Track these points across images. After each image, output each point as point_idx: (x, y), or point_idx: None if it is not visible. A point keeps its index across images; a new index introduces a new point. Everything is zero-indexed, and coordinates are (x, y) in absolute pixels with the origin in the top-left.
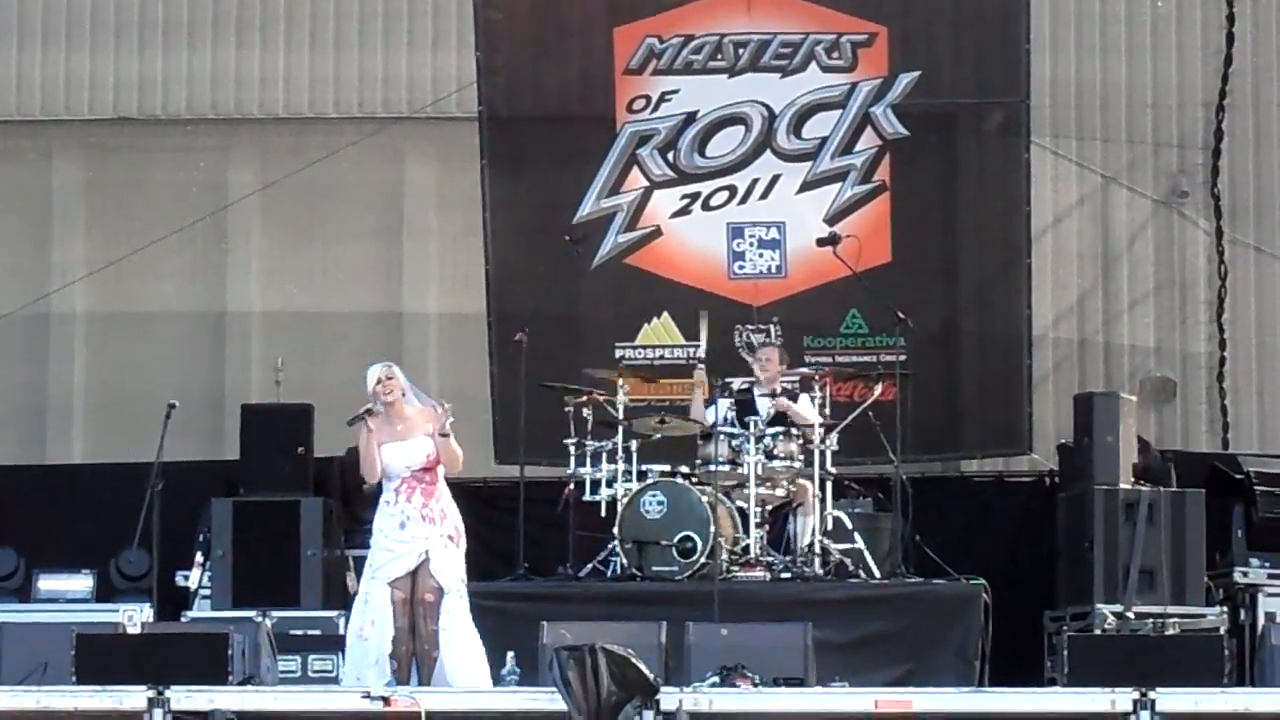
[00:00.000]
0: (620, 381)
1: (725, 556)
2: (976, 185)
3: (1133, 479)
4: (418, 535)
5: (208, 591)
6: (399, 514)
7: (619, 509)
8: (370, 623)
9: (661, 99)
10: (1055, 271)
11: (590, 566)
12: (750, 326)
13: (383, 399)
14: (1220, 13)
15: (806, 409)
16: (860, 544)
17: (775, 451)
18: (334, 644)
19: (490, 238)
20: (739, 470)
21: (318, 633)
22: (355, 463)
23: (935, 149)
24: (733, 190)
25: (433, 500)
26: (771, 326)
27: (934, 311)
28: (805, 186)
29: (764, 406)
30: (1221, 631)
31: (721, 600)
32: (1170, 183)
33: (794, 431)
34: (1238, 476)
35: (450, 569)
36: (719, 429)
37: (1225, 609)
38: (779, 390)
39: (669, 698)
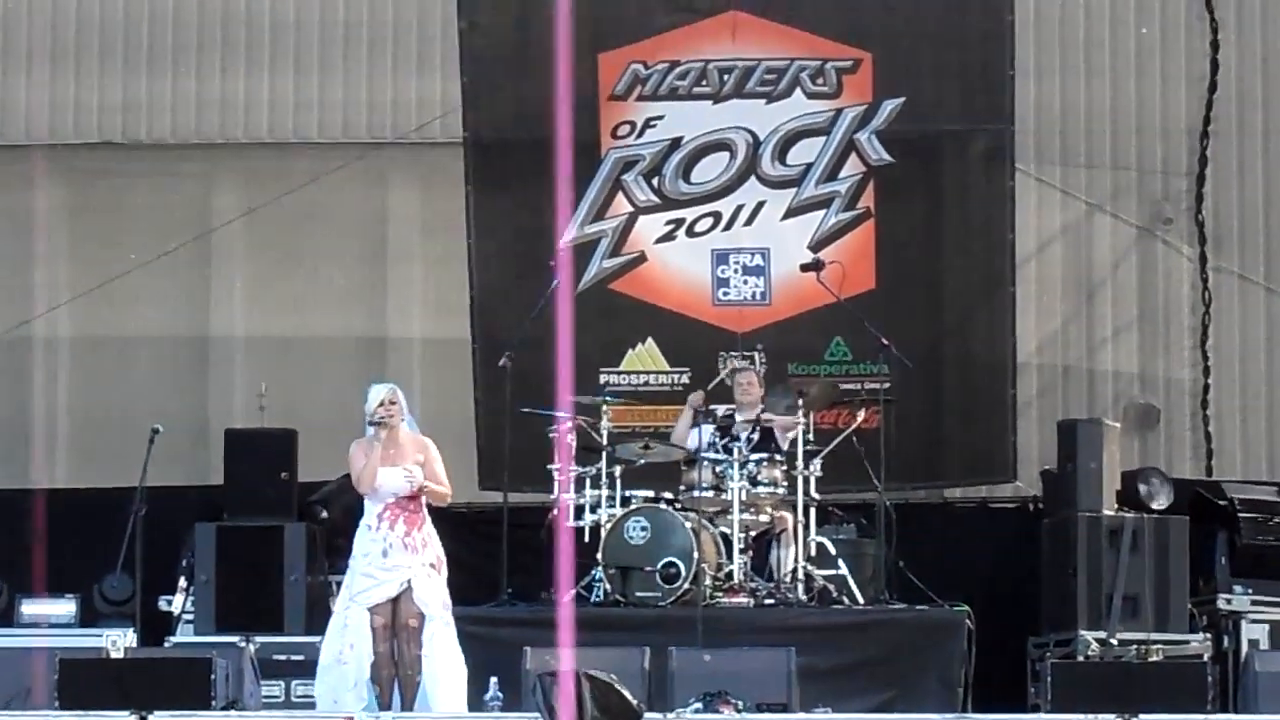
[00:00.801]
0: (604, 407)
1: (709, 582)
2: (961, 212)
3: (1117, 505)
4: (400, 564)
5: (191, 616)
6: (381, 541)
7: (602, 535)
8: (349, 646)
9: (646, 125)
10: (1039, 298)
11: (574, 592)
12: (734, 353)
13: (386, 421)
14: (1205, 39)
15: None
16: (844, 570)
17: (759, 477)
18: (316, 669)
19: (475, 263)
20: (723, 496)
21: (301, 658)
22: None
23: (920, 175)
24: (717, 216)
25: (415, 529)
26: (755, 354)
27: (918, 338)
28: (790, 213)
29: (745, 432)
30: (1205, 658)
31: (705, 626)
32: (1154, 209)
33: (778, 458)
34: (1221, 503)
35: (433, 596)
36: (702, 455)
37: (1209, 636)
38: (760, 415)
39: None
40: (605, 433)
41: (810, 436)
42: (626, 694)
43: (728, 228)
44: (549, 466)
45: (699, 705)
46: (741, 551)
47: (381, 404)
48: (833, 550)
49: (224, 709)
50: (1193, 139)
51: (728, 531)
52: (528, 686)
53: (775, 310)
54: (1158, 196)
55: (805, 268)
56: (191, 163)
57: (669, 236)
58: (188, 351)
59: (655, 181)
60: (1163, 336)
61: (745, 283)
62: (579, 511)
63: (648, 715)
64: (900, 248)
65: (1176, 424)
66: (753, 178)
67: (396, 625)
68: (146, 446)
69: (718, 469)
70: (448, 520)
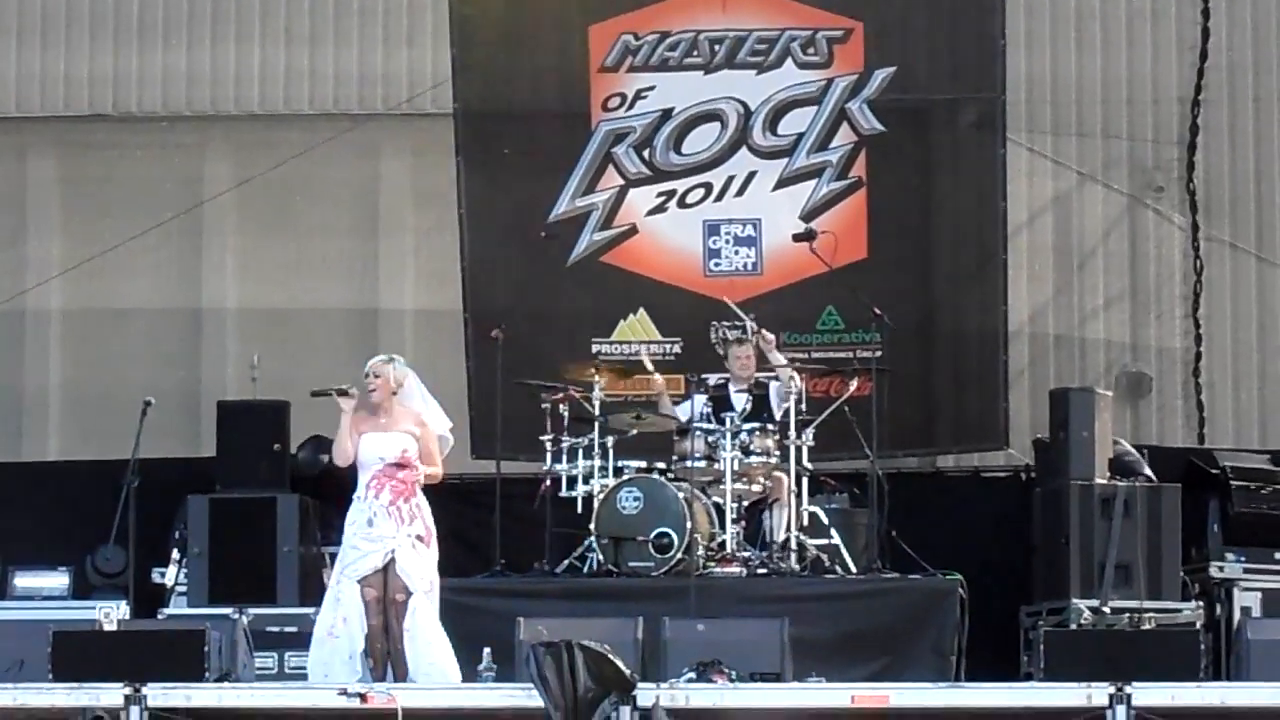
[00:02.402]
0: (596, 377)
1: (702, 552)
2: (952, 181)
3: (1108, 474)
4: (385, 534)
5: (184, 588)
6: (367, 509)
7: (595, 505)
8: (342, 620)
9: (637, 96)
10: (1031, 267)
11: (567, 563)
12: (726, 323)
13: (368, 394)
14: (1195, 8)
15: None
16: (837, 539)
17: (751, 447)
18: (310, 641)
19: (466, 234)
20: (715, 466)
21: (294, 629)
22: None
23: (911, 145)
24: (708, 187)
25: (402, 499)
26: (748, 322)
27: (910, 307)
28: (781, 183)
29: (739, 402)
30: (1197, 626)
31: (698, 596)
32: (1145, 178)
33: (770, 427)
34: (1213, 471)
35: (417, 570)
36: (695, 425)
37: (1201, 603)
38: (753, 384)
39: (646, 693)
40: (597, 403)
41: (803, 405)
42: (620, 664)
43: (719, 199)
44: (541, 437)
45: (692, 675)
46: (734, 521)
47: (366, 376)
48: (825, 519)
49: (217, 681)
50: (1184, 107)
51: (720, 501)
52: (521, 657)
53: (767, 280)
54: (1149, 165)
55: (797, 238)
56: (183, 135)
57: (660, 208)
58: (179, 323)
59: (646, 153)
60: (1154, 305)
61: (737, 253)
62: (572, 482)
63: (641, 685)
64: (892, 217)
65: (1168, 393)
66: (744, 148)
67: (386, 599)
68: (139, 419)
69: (710, 439)
70: (440, 491)
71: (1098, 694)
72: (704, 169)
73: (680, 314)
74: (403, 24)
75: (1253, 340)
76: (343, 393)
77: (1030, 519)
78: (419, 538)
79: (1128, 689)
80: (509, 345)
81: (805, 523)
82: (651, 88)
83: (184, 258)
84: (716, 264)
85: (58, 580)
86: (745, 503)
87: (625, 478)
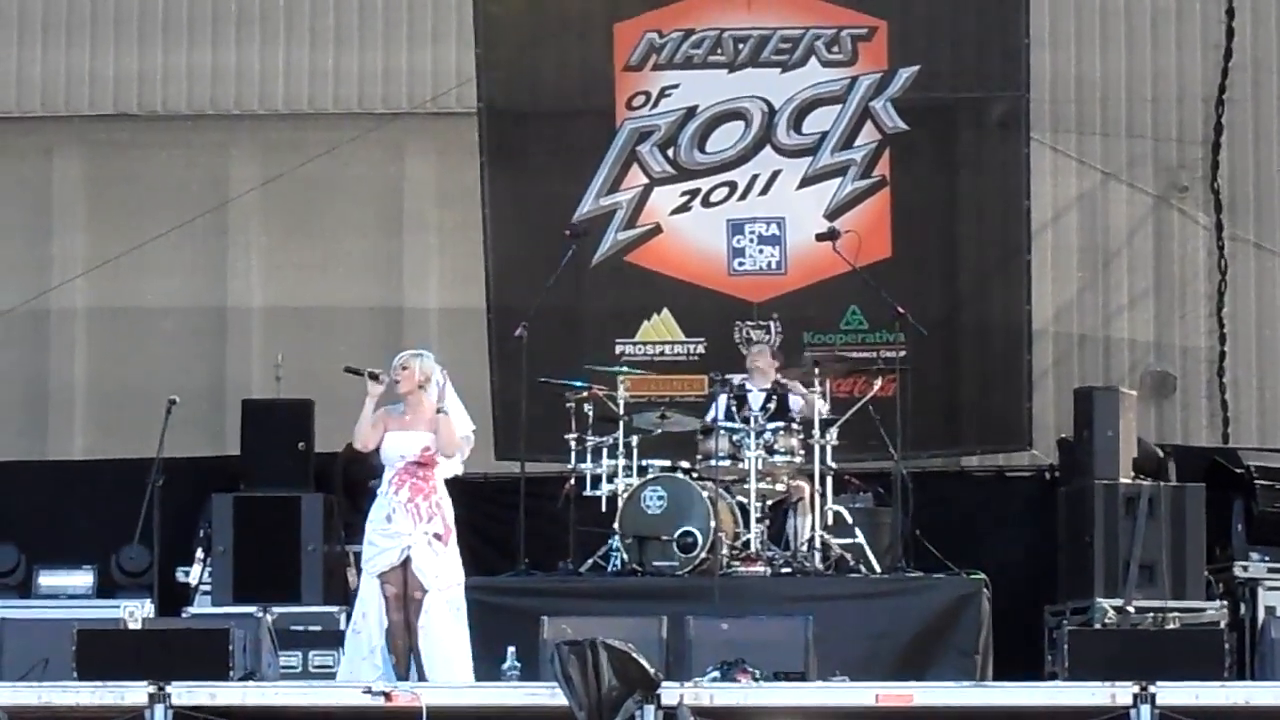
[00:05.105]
0: (621, 377)
1: (726, 551)
2: (976, 180)
3: (1133, 473)
4: (402, 530)
5: (208, 587)
6: (387, 505)
7: (620, 504)
8: (362, 615)
9: (661, 94)
10: (1055, 266)
11: (591, 562)
12: (750, 323)
13: (397, 384)
14: (1220, 6)
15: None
16: (861, 539)
17: (776, 446)
18: (335, 639)
19: (490, 233)
20: (739, 465)
21: (318, 628)
22: (354, 458)
23: (935, 143)
24: (733, 186)
25: (421, 496)
26: (771, 323)
27: (934, 306)
28: (805, 182)
29: (758, 402)
30: (1221, 625)
31: (722, 595)
32: (1169, 177)
33: (794, 426)
34: (1238, 470)
35: (432, 568)
36: (719, 424)
37: (1225, 603)
38: (775, 384)
39: (670, 692)
40: (622, 403)
41: (827, 405)
42: (644, 663)
43: (743, 197)
44: (565, 436)
45: (716, 674)
46: (758, 520)
47: (394, 369)
48: (849, 519)
49: (242, 679)
50: (1208, 106)
51: (744, 500)
52: (545, 656)
53: (791, 280)
54: (1173, 164)
55: (821, 237)
56: (207, 134)
57: (684, 207)
58: (205, 322)
59: (670, 152)
60: (1179, 304)
61: (761, 252)
62: (596, 481)
63: (665, 684)
64: (916, 216)
65: (1193, 392)
66: (768, 147)
67: (406, 595)
68: (164, 417)
69: (734, 438)
70: (465, 490)
71: (1122, 693)
72: (728, 168)
73: (704, 314)
74: (427, 23)
75: (1277, 339)
76: (374, 376)
77: (1054, 518)
78: (437, 535)
79: (1152, 688)
80: (533, 344)
81: (829, 522)
82: (676, 86)
83: (209, 256)
84: (740, 263)
85: (82, 579)
86: (769, 502)
87: (649, 477)
